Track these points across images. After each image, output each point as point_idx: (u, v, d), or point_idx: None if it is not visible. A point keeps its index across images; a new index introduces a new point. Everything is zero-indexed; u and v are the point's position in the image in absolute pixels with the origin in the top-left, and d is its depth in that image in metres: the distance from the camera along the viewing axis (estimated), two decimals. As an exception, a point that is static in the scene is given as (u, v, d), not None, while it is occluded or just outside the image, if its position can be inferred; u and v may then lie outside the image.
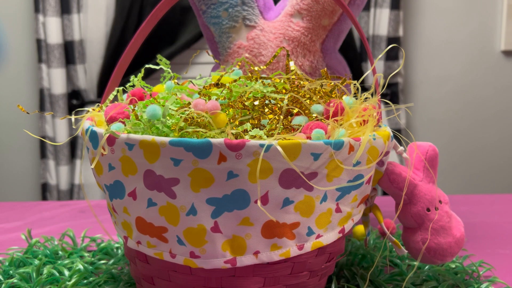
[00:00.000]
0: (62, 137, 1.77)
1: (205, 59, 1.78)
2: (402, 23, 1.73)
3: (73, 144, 1.83)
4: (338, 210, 0.45)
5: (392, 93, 1.78)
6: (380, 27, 1.71)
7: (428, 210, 0.51)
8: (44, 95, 1.77)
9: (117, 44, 1.74)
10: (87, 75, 1.77)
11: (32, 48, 1.81)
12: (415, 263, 0.59)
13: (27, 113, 0.45)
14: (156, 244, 0.43)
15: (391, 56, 1.72)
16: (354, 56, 1.70)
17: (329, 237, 0.45)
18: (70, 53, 1.75)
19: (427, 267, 0.58)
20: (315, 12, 0.65)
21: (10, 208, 0.96)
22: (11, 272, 0.60)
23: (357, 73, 1.68)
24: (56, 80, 1.74)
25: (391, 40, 1.71)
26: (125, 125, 0.44)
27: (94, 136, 0.45)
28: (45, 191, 1.83)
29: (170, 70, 0.54)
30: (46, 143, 1.79)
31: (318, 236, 0.44)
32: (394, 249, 0.58)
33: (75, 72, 1.76)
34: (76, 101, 1.79)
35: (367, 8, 1.73)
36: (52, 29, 1.71)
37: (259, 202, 0.39)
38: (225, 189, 0.39)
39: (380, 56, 0.47)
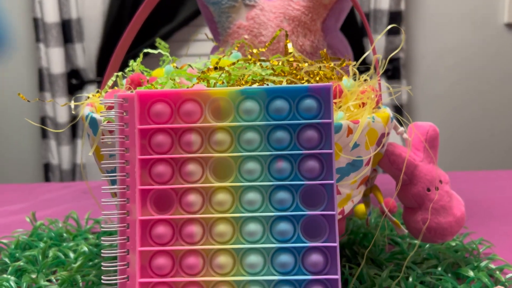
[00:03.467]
0: (63, 117, 1.76)
1: (202, 36, 1.76)
2: (403, -4, 1.70)
3: (73, 124, 1.83)
4: (337, 192, 0.45)
5: (393, 68, 1.77)
6: (382, 1, 1.69)
7: (429, 190, 0.51)
8: (43, 75, 1.76)
9: (114, 22, 1.72)
10: (85, 54, 1.76)
11: (29, 27, 1.79)
12: (415, 241, 0.59)
13: (28, 101, 0.44)
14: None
15: (393, 30, 1.69)
16: (355, 32, 1.68)
17: (329, 219, 0.45)
18: (67, 32, 1.73)
19: (427, 245, 0.59)
20: (315, -10, 0.64)
21: (14, 190, 0.97)
22: (17, 255, 0.61)
23: (358, 49, 1.67)
24: (55, 60, 1.73)
25: (392, 14, 1.69)
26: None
27: (94, 123, 0.45)
28: (47, 171, 1.84)
29: (168, 54, 0.53)
30: (47, 123, 1.79)
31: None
32: (394, 229, 0.59)
33: (73, 51, 1.75)
34: (75, 80, 1.78)
35: (368, -19, 1.70)
36: (49, 8, 1.69)
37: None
38: None
39: (379, 37, 0.46)
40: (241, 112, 0.38)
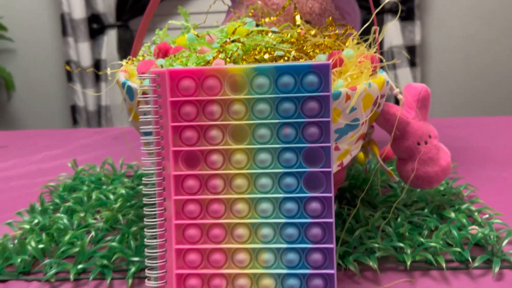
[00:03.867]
0: (86, 61, 1.84)
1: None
2: None
3: (96, 67, 1.91)
4: (336, 148, 0.53)
5: (408, 9, 1.77)
6: None
7: (418, 144, 0.59)
8: (65, 20, 1.82)
9: (132, -34, 1.74)
10: (105, -2, 1.80)
11: (49, -27, 1.83)
12: (407, 187, 0.68)
13: (72, 71, 0.52)
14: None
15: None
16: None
17: (330, 170, 0.53)
18: (87, -24, 1.77)
19: (418, 190, 0.67)
20: (323, -45, 0.68)
21: (50, 135, 1.07)
22: (65, 196, 0.72)
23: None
24: (76, 5, 1.78)
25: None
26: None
27: (130, 90, 0.53)
28: (74, 112, 1.95)
29: (190, 25, 0.60)
30: (71, 66, 1.87)
31: (321, 170, 0.52)
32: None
33: (93, -4, 1.79)
34: (96, 25, 1.84)
35: None
36: (68, -47, 1.72)
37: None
38: None
39: (378, 9, 0.52)
40: (254, 86, 0.45)
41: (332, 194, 0.45)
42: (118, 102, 1.86)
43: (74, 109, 1.93)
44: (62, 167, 0.86)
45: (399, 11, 1.52)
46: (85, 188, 0.73)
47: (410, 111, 0.60)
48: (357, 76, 0.52)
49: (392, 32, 1.75)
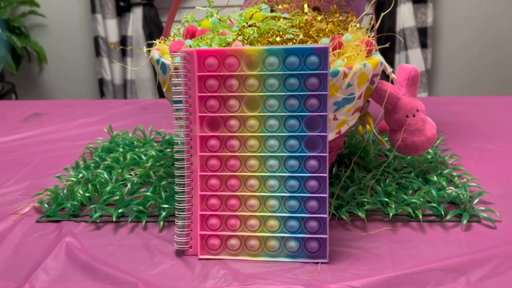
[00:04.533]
0: (113, 37, 1.95)
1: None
2: None
3: (122, 43, 2.02)
4: (335, 118, 0.63)
5: (421, -8, 1.82)
6: None
7: (407, 117, 0.69)
8: (94, -3, 1.92)
9: None
10: (131, -23, 1.90)
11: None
12: (399, 155, 0.78)
13: (115, 48, 0.63)
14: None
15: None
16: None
17: (329, 136, 0.64)
18: (115, -45, 1.86)
19: (408, 157, 0.77)
20: (332, -51, 0.77)
21: (85, 105, 1.19)
22: (103, 156, 0.83)
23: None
24: (104, -18, 1.88)
25: None
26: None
27: (163, 66, 0.63)
28: (102, 85, 2.07)
29: (213, 11, 0.70)
30: (99, 42, 1.98)
31: (321, 136, 0.63)
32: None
33: (120, -25, 1.89)
34: (123, 2, 1.94)
35: None
36: None
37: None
38: None
39: (374, 0, 0.61)
40: (266, 64, 0.55)
41: (326, 154, 0.55)
42: (142, 76, 1.98)
43: (101, 82, 2.05)
44: (99, 132, 0.98)
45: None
46: (120, 149, 0.85)
47: (401, 88, 0.69)
48: (354, 57, 0.62)
49: (405, 14, 1.81)
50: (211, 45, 0.62)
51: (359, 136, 0.83)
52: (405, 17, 1.80)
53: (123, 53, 2.02)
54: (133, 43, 1.94)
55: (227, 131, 0.57)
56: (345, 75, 0.60)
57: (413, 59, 1.91)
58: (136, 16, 1.89)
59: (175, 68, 0.60)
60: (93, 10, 1.93)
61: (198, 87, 0.56)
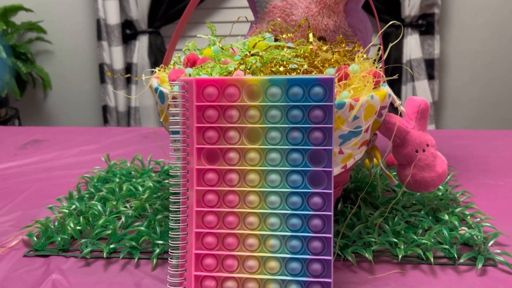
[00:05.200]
0: (118, 64, 1.95)
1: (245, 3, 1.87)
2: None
3: (127, 70, 2.02)
4: (340, 152, 0.60)
5: (427, 24, 1.82)
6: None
7: (417, 151, 0.65)
8: (100, 25, 1.93)
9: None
10: (138, 6, 1.91)
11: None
12: (408, 191, 0.74)
13: (113, 76, 0.61)
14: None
15: (429, -13, 1.74)
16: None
17: (334, 171, 0.60)
18: (122, -16, 1.87)
19: (418, 194, 0.73)
20: (339, -22, 0.75)
21: (86, 132, 1.17)
22: (99, 187, 0.80)
23: (394, 5, 1.72)
24: (111, 11, 1.89)
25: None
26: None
27: (161, 95, 0.61)
28: (105, 112, 2.06)
29: (216, 39, 0.68)
30: (104, 69, 1.98)
31: (325, 171, 0.59)
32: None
33: (127, 3, 1.90)
34: (129, 31, 1.94)
35: None
36: (106, -38, 1.83)
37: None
38: None
39: (382, 31, 0.59)
40: (268, 95, 0.53)
41: (331, 191, 0.51)
42: (146, 103, 1.96)
43: (105, 109, 2.04)
44: (97, 161, 0.95)
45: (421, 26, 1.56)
46: (117, 180, 0.82)
47: (410, 122, 0.66)
48: (361, 88, 0.59)
49: (412, 45, 1.80)
50: (211, 74, 0.60)
51: (366, 169, 0.79)
52: (412, 48, 1.78)
53: (128, 81, 2.02)
54: (138, 70, 1.93)
55: (226, 164, 0.54)
56: (352, 107, 0.57)
57: (420, 91, 1.88)
58: (142, 43, 1.89)
59: (173, 97, 0.57)
60: (99, 37, 1.93)
61: (196, 117, 0.54)
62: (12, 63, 1.87)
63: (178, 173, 0.54)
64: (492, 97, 2.00)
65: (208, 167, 0.54)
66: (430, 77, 1.83)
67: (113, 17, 1.87)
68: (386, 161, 0.73)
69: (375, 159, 0.69)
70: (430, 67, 1.80)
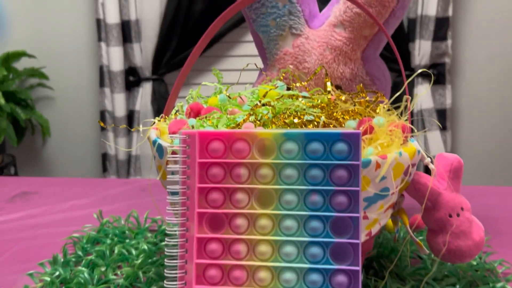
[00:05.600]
0: (120, 111, 1.90)
1: (251, 37, 1.84)
2: (451, 2, 1.70)
3: (130, 117, 1.96)
4: (365, 217, 0.52)
5: (438, 74, 1.78)
6: (429, 7, 1.70)
7: (450, 216, 0.57)
8: (103, 72, 1.89)
9: (171, 23, 1.82)
10: (142, 53, 1.88)
11: (92, 27, 1.93)
12: (438, 259, 0.65)
13: (105, 127, 0.53)
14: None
15: (439, 36, 1.71)
16: (401, 37, 1.70)
17: (357, 239, 0.52)
18: (127, 32, 1.86)
19: (449, 264, 0.64)
20: (357, 23, 0.69)
21: (80, 184, 1.09)
22: (88, 249, 0.71)
23: (404, 55, 1.69)
24: (114, 58, 1.86)
25: (439, 20, 1.70)
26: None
27: (160, 148, 0.53)
28: (105, 160, 1.99)
29: (222, 87, 0.61)
30: (105, 116, 1.93)
31: (347, 240, 0.51)
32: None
33: (131, 50, 1.87)
34: (132, 77, 1.91)
35: (416, -14, 1.72)
36: (111, 9, 1.82)
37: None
38: None
39: (414, 75, 0.52)
40: (282, 151, 0.45)
41: (359, 268, 0.43)
42: (147, 152, 1.90)
43: (104, 157, 1.97)
44: (88, 217, 0.87)
45: (431, 81, 1.53)
46: (108, 241, 0.73)
47: (442, 182, 0.58)
48: (387, 144, 0.52)
49: (423, 95, 1.75)
50: (217, 126, 0.53)
51: (388, 232, 0.71)
52: (423, 98, 1.73)
53: (129, 128, 1.96)
54: (141, 117, 1.88)
55: (232, 232, 0.46)
56: (378, 165, 0.49)
57: (432, 142, 1.82)
58: (145, 90, 1.85)
59: (173, 152, 0.50)
60: (102, 84, 1.89)
61: (198, 176, 0.46)
62: (10, 109, 1.82)
63: (175, 242, 0.46)
64: (508, 149, 1.92)
65: (211, 236, 0.46)
66: (442, 127, 1.77)
67: (117, 64, 1.84)
68: (410, 222, 0.65)
69: (399, 222, 0.61)
70: (442, 117, 1.74)
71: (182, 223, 0.46)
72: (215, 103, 0.61)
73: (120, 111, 1.89)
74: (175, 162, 0.49)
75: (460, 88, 1.87)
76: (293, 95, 0.57)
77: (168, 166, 0.48)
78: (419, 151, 0.56)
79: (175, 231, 0.46)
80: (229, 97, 0.61)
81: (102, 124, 0.53)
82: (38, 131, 2.08)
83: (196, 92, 0.61)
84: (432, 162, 0.59)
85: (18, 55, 1.96)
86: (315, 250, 0.44)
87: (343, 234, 0.44)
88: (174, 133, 0.53)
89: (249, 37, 1.84)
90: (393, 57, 1.73)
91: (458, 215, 0.57)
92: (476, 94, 1.88)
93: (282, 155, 0.45)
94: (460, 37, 1.82)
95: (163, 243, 0.72)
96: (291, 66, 0.71)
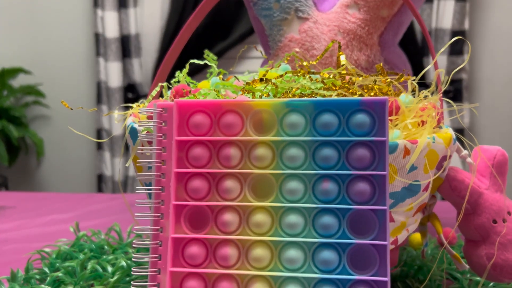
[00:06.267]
0: (118, 129, 1.81)
1: (257, 53, 1.76)
2: (468, 15, 1.62)
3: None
4: (391, 219, 0.41)
5: (455, 90, 1.68)
6: (444, 20, 1.62)
7: (495, 222, 0.46)
8: (101, 88, 1.82)
9: (171, 38, 1.75)
10: (142, 68, 1.80)
11: (90, 42, 1.86)
12: (478, 278, 0.53)
13: (71, 108, 0.44)
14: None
15: (455, 50, 1.62)
16: (415, 50, 1.62)
17: (380, 248, 0.41)
18: (126, 47, 1.79)
19: (491, 284, 0.53)
20: (373, 2, 0.60)
21: (64, 199, 0.98)
22: (57, 265, 0.60)
23: (418, 69, 1.60)
24: (113, 74, 1.78)
25: (455, 33, 1.62)
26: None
27: (133, 133, 0.43)
28: (100, 181, 1.88)
29: (215, 67, 0.51)
30: (102, 135, 1.84)
31: (368, 247, 0.40)
32: (453, 263, 0.53)
33: (130, 66, 1.80)
34: (131, 94, 1.83)
35: (430, -1, 1.64)
36: (110, 23, 1.75)
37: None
38: None
39: (443, 49, 0.42)
40: (285, 126, 0.35)
41: (388, 279, 0.32)
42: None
43: (100, 178, 1.87)
44: (65, 232, 0.76)
45: (446, 84, 1.43)
46: (81, 256, 0.62)
47: (483, 180, 0.47)
48: (416, 130, 0.41)
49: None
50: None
51: (414, 249, 0.59)
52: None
53: (127, 148, 1.87)
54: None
55: (219, 231, 0.35)
56: (407, 151, 0.38)
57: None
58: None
59: (147, 132, 0.40)
60: (99, 101, 1.81)
61: (176, 158, 0.35)
62: (2, 126, 1.73)
63: (146, 246, 0.35)
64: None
65: (191, 236, 0.35)
66: (462, 145, 1.65)
67: (115, 80, 1.76)
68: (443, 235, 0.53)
69: (429, 233, 0.50)
70: (460, 141, 1.63)
71: (155, 220, 0.35)
72: (206, 87, 0.51)
73: (118, 128, 1.80)
74: (149, 143, 0.39)
75: (478, 106, 1.77)
76: (299, 72, 0.47)
77: (140, 148, 0.38)
78: (455, 140, 0.45)
79: (146, 231, 0.35)
80: (222, 80, 0.51)
81: (90, 138, 0.44)
82: (32, 151, 1.99)
83: (183, 73, 0.51)
84: (469, 155, 0.48)
85: (14, 71, 1.89)
86: (328, 255, 0.33)
87: (365, 234, 0.33)
88: (150, 116, 0.43)
89: (252, 53, 1.76)
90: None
91: (504, 220, 0.46)
92: (495, 111, 1.78)
93: (284, 131, 0.35)
94: (477, 51, 1.73)
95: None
96: (297, 49, 0.61)
